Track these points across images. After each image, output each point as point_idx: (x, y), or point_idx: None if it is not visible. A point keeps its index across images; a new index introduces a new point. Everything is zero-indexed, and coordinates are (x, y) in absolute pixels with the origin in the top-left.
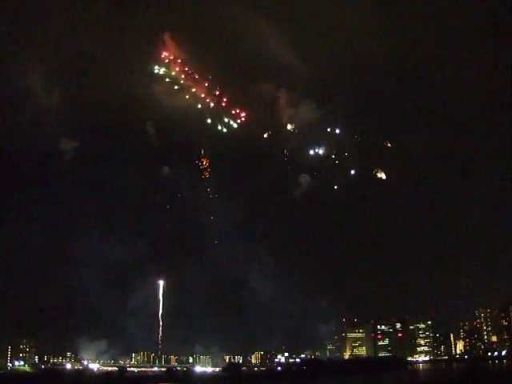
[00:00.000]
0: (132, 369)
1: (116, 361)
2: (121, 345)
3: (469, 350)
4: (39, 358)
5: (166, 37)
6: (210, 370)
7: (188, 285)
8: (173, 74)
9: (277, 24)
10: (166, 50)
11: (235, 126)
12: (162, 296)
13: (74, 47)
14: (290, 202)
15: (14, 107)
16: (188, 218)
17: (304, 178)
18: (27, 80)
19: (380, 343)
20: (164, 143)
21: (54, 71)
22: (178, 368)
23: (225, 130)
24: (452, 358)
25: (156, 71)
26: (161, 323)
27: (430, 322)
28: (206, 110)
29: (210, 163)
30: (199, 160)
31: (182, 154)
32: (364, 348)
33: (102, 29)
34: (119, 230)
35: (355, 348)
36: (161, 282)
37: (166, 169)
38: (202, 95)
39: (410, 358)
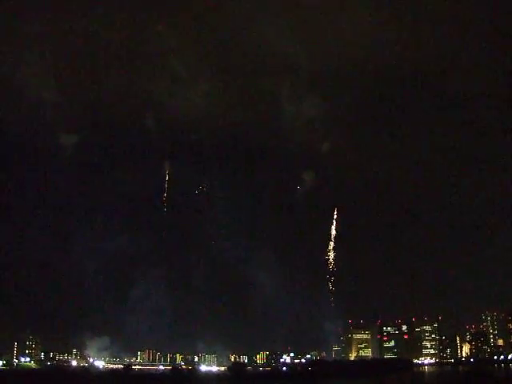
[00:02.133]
0: (137, 366)
1: (121, 358)
2: (126, 343)
3: (475, 353)
4: (45, 355)
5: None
6: (215, 369)
7: (193, 283)
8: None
9: (279, 19)
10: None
11: None
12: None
13: (72, 42)
14: (294, 200)
15: (13, 102)
16: (190, 215)
17: (307, 176)
18: (25, 75)
19: (386, 345)
20: (165, 139)
21: (52, 67)
22: (184, 366)
23: None
24: (458, 360)
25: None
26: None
27: (436, 325)
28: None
29: (212, 160)
30: (201, 157)
31: (183, 150)
32: (370, 349)
33: (101, 24)
34: (121, 225)
35: (361, 349)
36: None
37: (166, 164)
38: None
39: (415, 361)
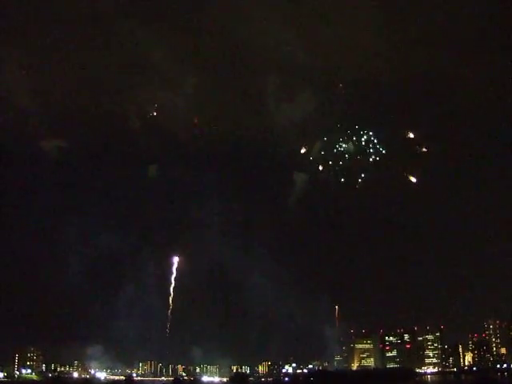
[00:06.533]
0: (139, 378)
1: (123, 370)
2: (128, 354)
3: (477, 362)
4: (46, 367)
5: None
6: (217, 379)
7: (193, 292)
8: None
9: (271, 11)
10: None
11: None
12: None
13: (54, 44)
14: (291, 202)
15: None
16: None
17: (304, 178)
18: (7, 80)
19: (388, 354)
20: (152, 139)
21: (34, 71)
22: (185, 378)
23: None
24: (460, 369)
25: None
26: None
27: (438, 334)
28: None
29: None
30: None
31: (173, 151)
32: (372, 359)
33: (82, 25)
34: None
35: (363, 359)
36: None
37: (155, 167)
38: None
39: (418, 370)
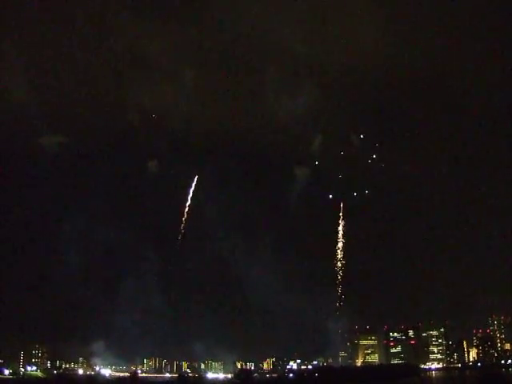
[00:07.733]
0: (144, 374)
1: (128, 366)
2: (132, 350)
3: (482, 357)
4: (51, 364)
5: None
6: (221, 376)
7: (196, 288)
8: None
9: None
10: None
11: None
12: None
13: (54, 41)
14: (294, 197)
15: None
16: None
17: (305, 171)
18: (8, 76)
19: (392, 350)
20: (152, 134)
21: (34, 66)
22: (190, 374)
23: None
24: (465, 365)
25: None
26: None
27: (442, 330)
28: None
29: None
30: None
31: (172, 144)
32: (376, 355)
33: (84, 23)
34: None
35: (367, 355)
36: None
37: (155, 162)
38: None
39: (422, 366)
